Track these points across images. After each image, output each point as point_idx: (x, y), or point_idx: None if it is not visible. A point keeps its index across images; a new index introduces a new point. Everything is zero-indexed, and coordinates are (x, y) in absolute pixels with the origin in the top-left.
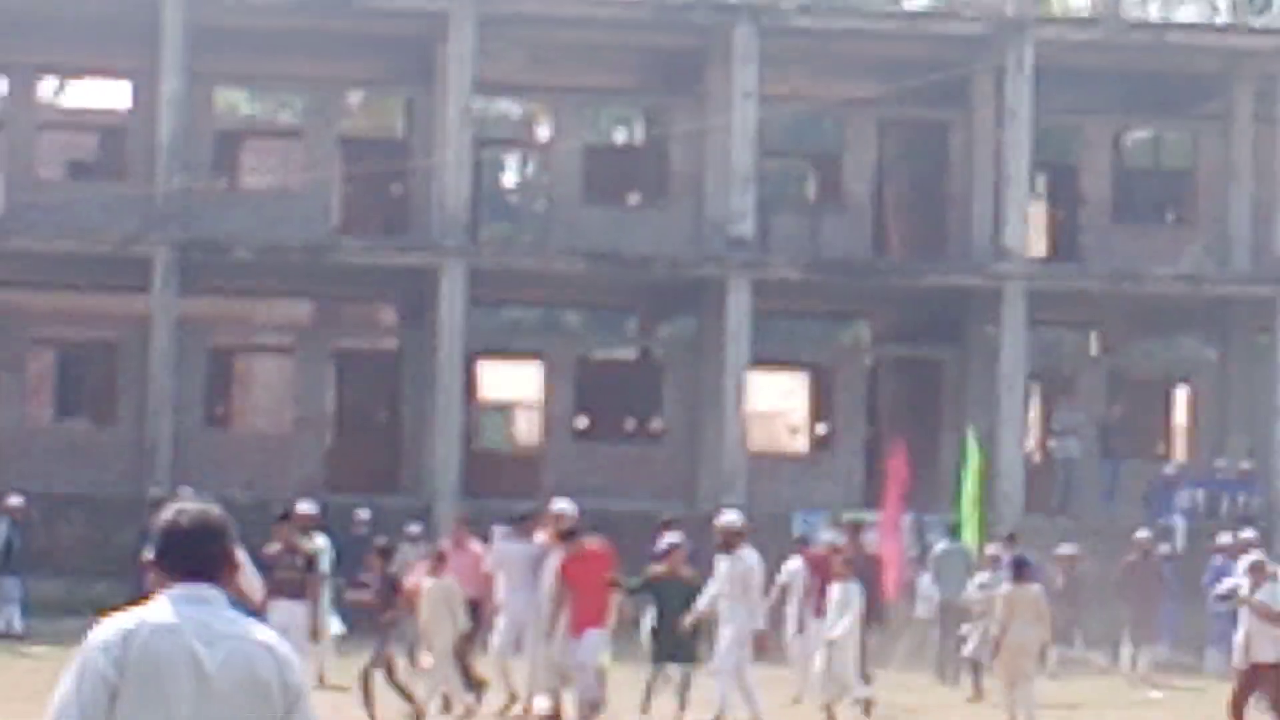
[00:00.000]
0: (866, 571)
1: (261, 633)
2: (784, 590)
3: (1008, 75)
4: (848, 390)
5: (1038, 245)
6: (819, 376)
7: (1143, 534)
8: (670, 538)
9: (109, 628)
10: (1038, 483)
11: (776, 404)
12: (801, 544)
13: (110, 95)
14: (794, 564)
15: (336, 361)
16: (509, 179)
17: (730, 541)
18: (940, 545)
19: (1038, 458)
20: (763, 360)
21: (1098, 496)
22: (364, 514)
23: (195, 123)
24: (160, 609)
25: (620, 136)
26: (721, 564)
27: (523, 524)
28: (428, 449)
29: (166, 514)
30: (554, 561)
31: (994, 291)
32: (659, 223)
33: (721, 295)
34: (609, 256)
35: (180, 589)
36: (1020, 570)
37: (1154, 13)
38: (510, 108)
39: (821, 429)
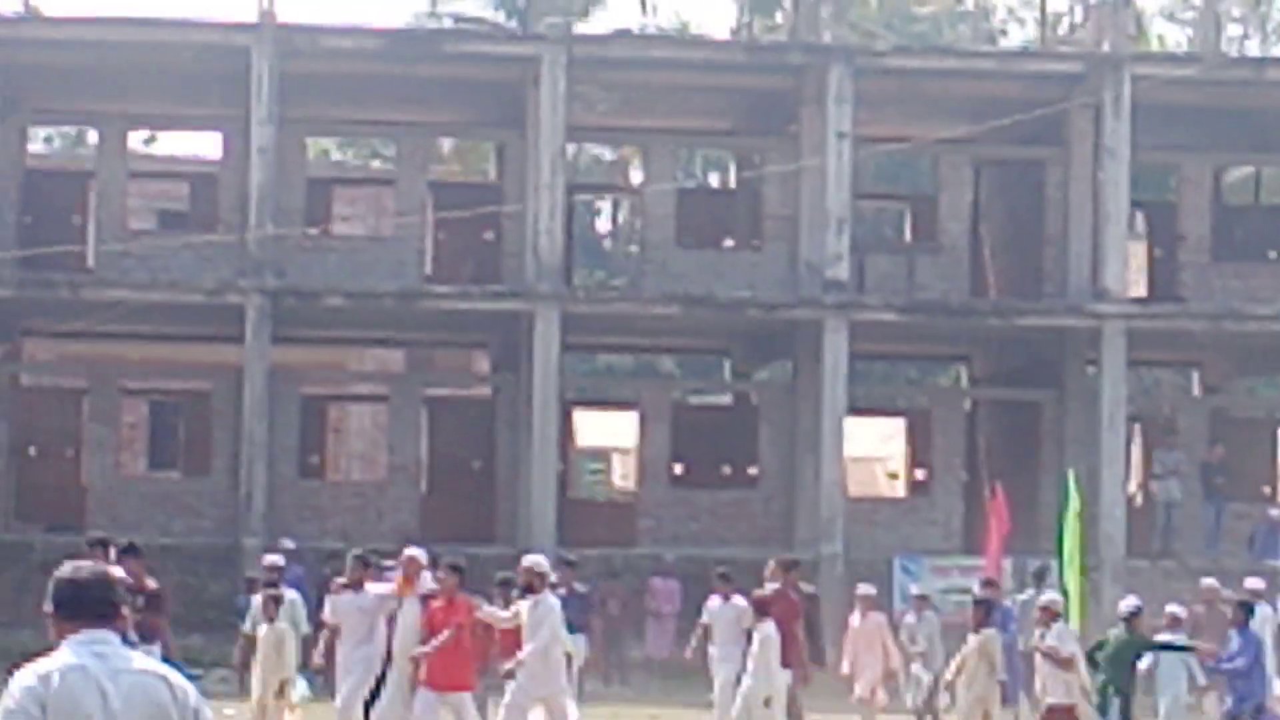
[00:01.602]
0: (808, 612)
1: (155, 666)
2: (706, 630)
3: (1105, 113)
4: (946, 434)
5: (1137, 285)
6: (916, 420)
7: (1208, 581)
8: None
9: (29, 674)
10: (1139, 525)
11: (874, 448)
12: (723, 581)
13: (201, 145)
14: (713, 603)
15: (430, 409)
16: (602, 224)
17: (532, 584)
18: (1024, 594)
19: (1139, 500)
20: (859, 404)
21: (1201, 539)
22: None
23: (286, 171)
24: (68, 654)
25: (713, 179)
26: (524, 607)
27: (359, 567)
28: (523, 497)
29: (64, 570)
30: (411, 610)
31: (1093, 332)
32: (753, 266)
33: (817, 339)
34: (703, 301)
35: (82, 635)
36: (989, 615)
37: (1252, 48)
38: (602, 152)
39: (920, 473)
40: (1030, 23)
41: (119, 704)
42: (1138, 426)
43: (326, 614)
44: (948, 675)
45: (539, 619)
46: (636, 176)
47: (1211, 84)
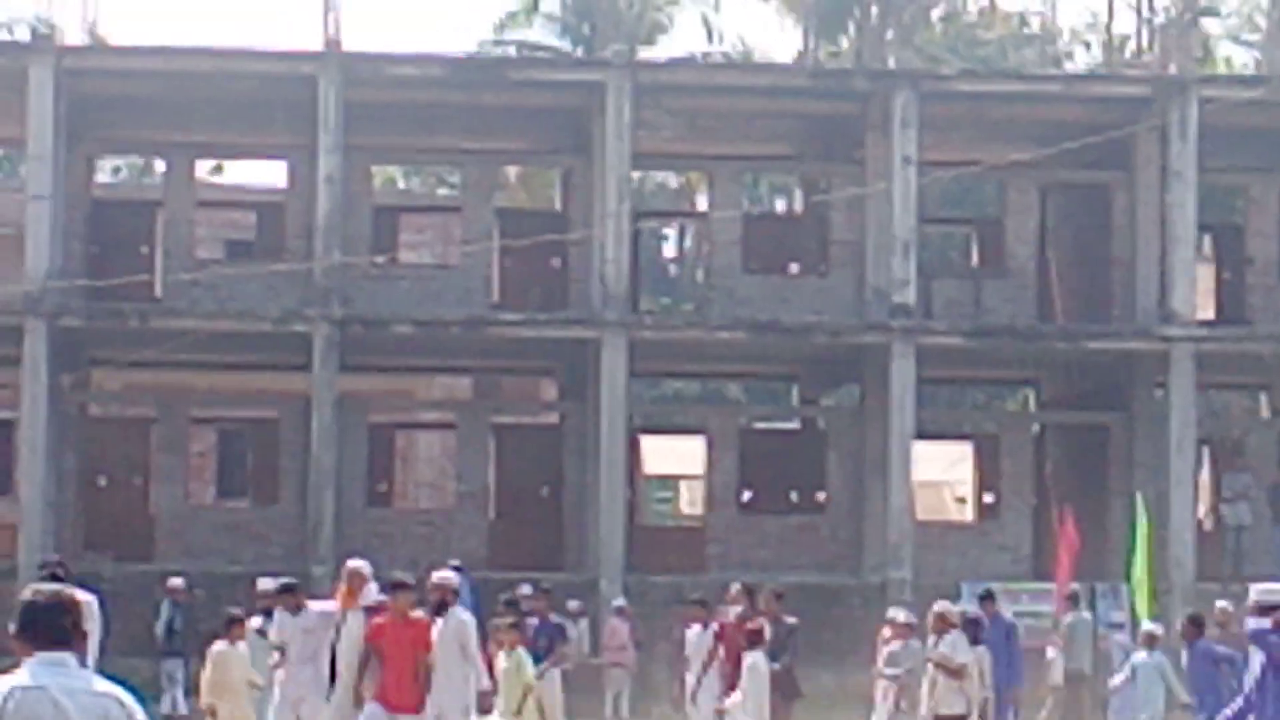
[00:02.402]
0: (789, 643)
1: (107, 686)
2: (687, 662)
3: (1171, 135)
4: (1014, 458)
5: (1204, 307)
6: (984, 444)
7: (1222, 604)
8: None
9: None
10: (1209, 549)
11: (942, 473)
12: (699, 608)
13: (267, 174)
14: (693, 632)
15: (497, 436)
16: (668, 250)
17: (444, 600)
18: (1069, 616)
19: (1208, 524)
20: (927, 428)
21: (1271, 562)
22: (527, 590)
23: (353, 199)
24: (27, 674)
25: (779, 205)
26: (437, 624)
27: (290, 594)
28: (591, 524)
29: (25, 594)
30: (356, 623)
31: (1161, 355)
32: (820, 291)
33: (884, 363)
34: (770, 326)
35: (41, 656)
36: (979, 631)
37: None
38: (668, 178)
39: (988, 497)
40: (1096, 46)
41: None
42: (1206, 449)
43: (272, 635)
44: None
45: (449, 635)
46: (702, 202)
47: (1278, 105)
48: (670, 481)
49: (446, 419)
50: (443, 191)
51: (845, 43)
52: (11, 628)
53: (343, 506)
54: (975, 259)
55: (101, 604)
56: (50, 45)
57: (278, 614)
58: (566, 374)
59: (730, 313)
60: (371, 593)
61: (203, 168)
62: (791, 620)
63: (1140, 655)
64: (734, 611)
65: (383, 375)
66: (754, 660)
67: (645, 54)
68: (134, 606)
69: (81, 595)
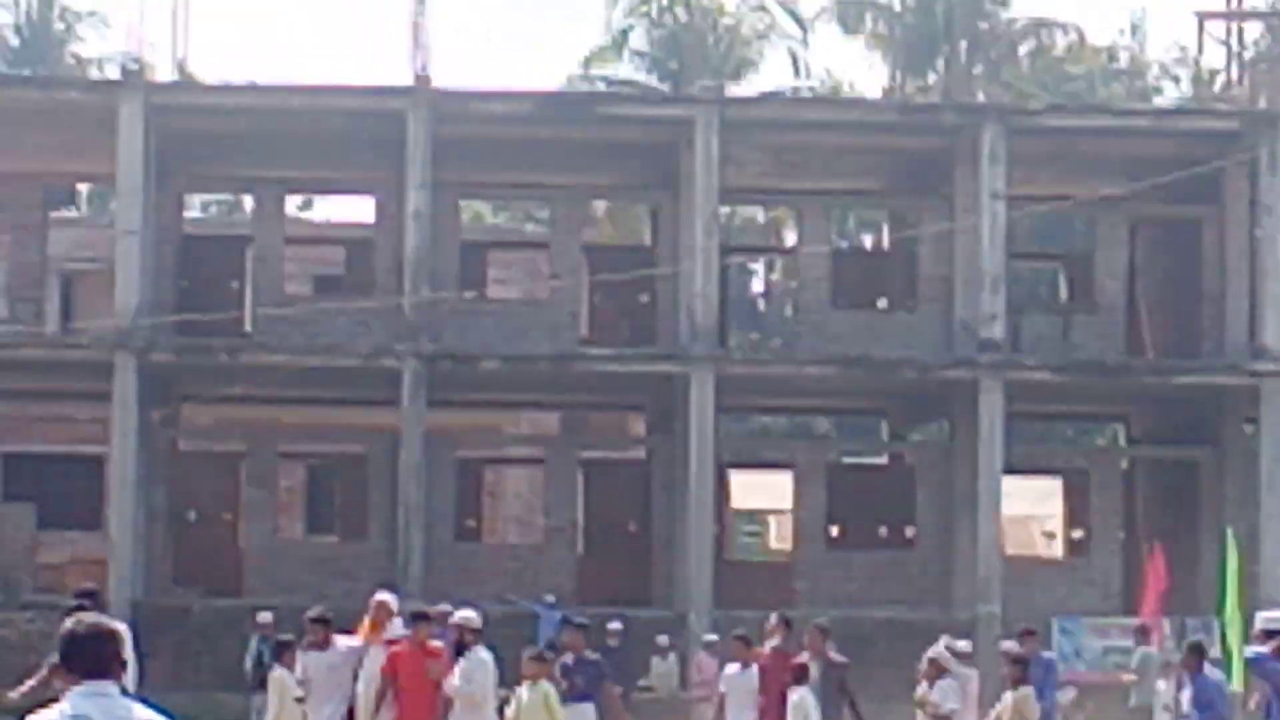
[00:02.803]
0: (839, 680)
1: (148, 714)
2: (722, 700)
3: (1261, 169)
4: (1103, 493)
5: None
6: (1074, 479)
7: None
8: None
9: None
10: None
11: (1031, 508)
12: (740, 644)
13: (356, 209)
14: (732, 669)
15: (585, 471)
16: (756, 285)
17: (464, 639)
18: (1139, 651)
19: None
20: (1016, 464)
21: None
22: (616, 626)
23: (441, 235)
24: (71, 704)
25: (867, 240)
26: (460, 665)
27: (322, 625)
28: (679, 559)
29: (67, 624)
30: (377, 657)
31: (1251, 390)
32: (908, 326)
33: (973, 399)
34: (858, 361)
35: (84, 686)
36: (1025, 672)
37: None
38: (756, 213)
39: (1077, 533)
40: (1185, 80)
41: None
42: None
43: (298, 673)
44: None
45: (468, 673)
46: (790, 238)
47: None
48: (758, 516)
49: (535, 454)
50: (531, 227)
51: (933, 77)
52: (55, 659)
53: (431, 542)
54: (1064, 294)
55: (136, 637)
56: (140, 82)
57: (301, 652)
58: (654, 409)
59: (819, 348)
60: (397, 627)
61: (292, 203)
62: (840, 658)
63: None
64: (770, 644)
65: (471, 410)
66: (799, 697)
67: (733, 89)
68: (222, 641)
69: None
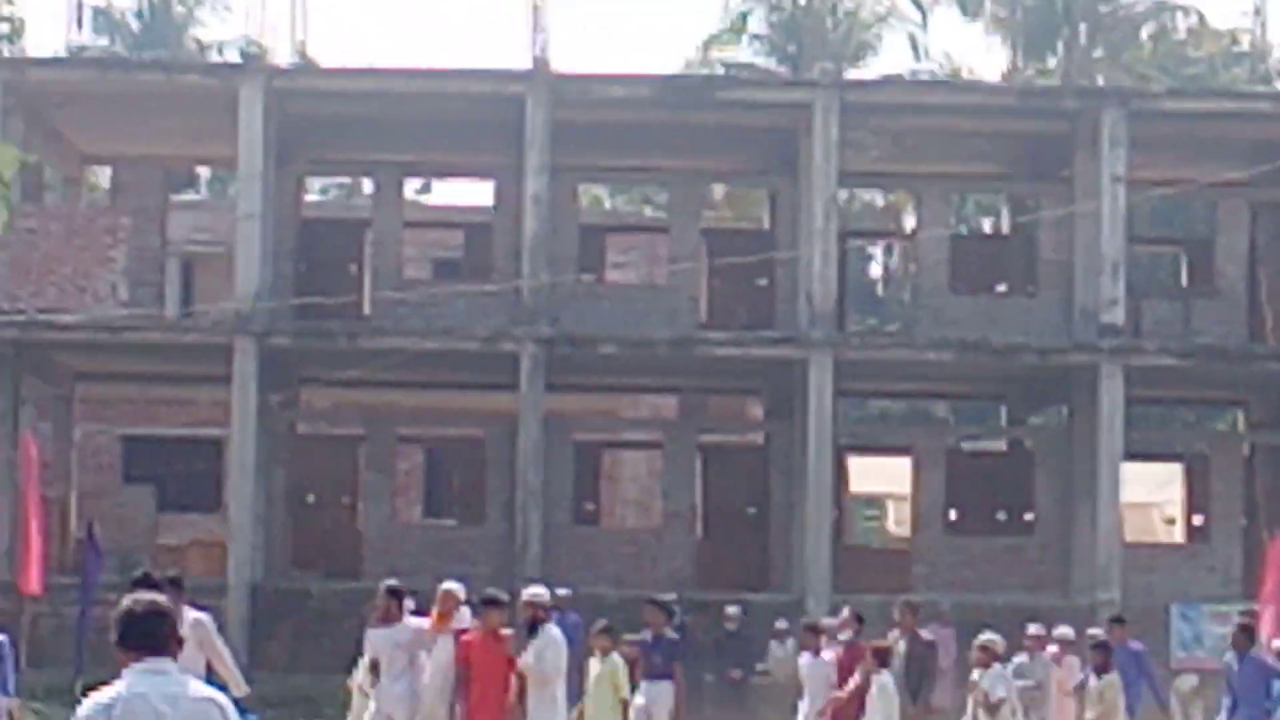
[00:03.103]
0: (923, 661)
1: (205, 691)
2: (801, 689)
3: None
4: (1224, 479)
5: None
6: (1194, 465)
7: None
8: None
9: (94, 701)
10: None
11: (1151, 494)
12: (811, 634)
13: (475, 193)
14: (805, 659)
15: (704, 456)
16: (874, 269)
17: (536, 617)
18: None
19: None
20: (1136, 449)
21: None
22: (734, 610)
23: (559, 219)
24: (129, 681)
25: (986, 224)
26: (530, 644)
27: (394, 598)
28: (797, 544)
29: (123, 604)
30: (445, 647)
31: None
32: (1028, 311)
33: (1093, 384)
34: (977, 346)
35: (142, 664)
36: (1109, 658)
37: None
38: (875, 197)
39: (1198, 519)
40: None
41: None
42: None
43: (366, 648)
44: None
45: (539, 651)
46: (909, 222)
47: None
48: (877, 501)
49: (653, 438)
50: (649, 211)
51: (1053, 61)
52: (113, 637)
53: (549, 525)
54: (1185, 278)
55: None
56: (260, 67)
57: (369, 629)
58: (773, 393)
59: (937, 332)
60: (464, 617)
61: (411, 187)
62: (929, 636)
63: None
64: (842, 636)
65: (589, 394)
66: (883, 682)
67: (852, 73)
68: (341, 624)
69: (193, 614)
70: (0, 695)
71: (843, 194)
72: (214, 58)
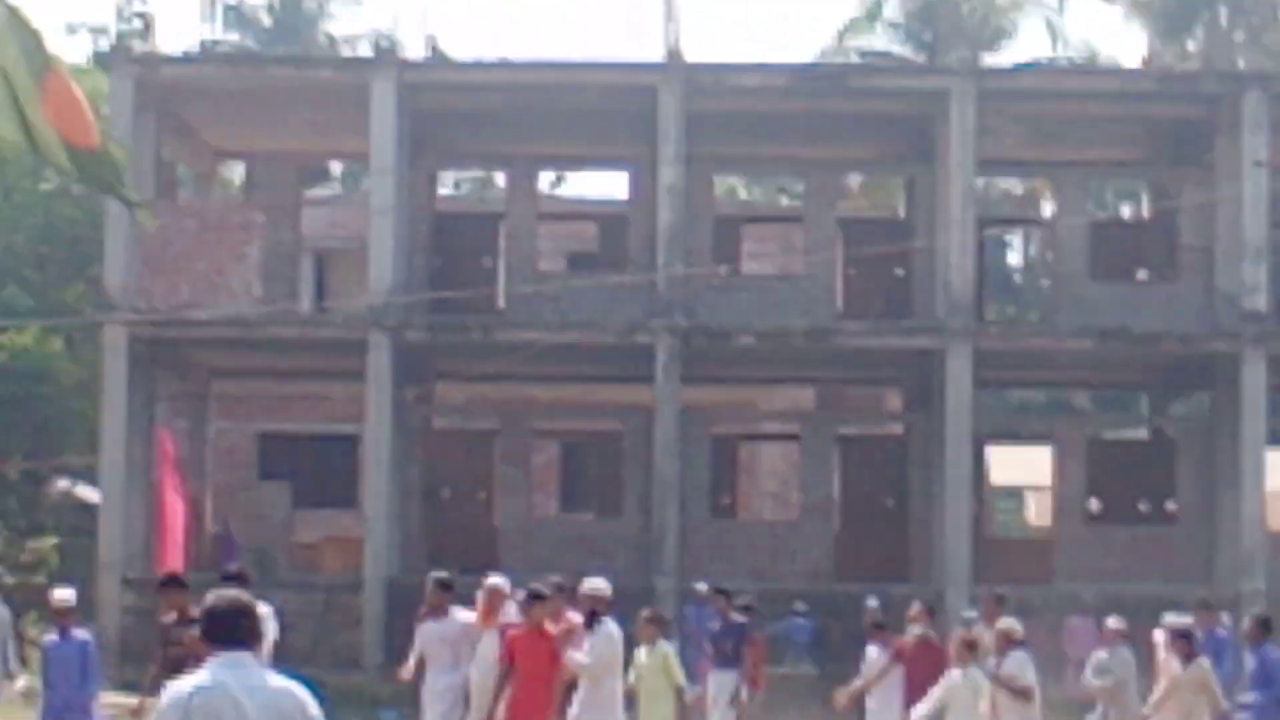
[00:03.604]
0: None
1: (283, 682)
2: (869, 683)
3: None
4: None
5: None
6: None
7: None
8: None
9: (176, 691)
10: None
11: None
12: (877, 630)
13: (609, 185)
14: (872, 650)
15: (841, 447)
16: (1013, 257)
17: (595, 611)
18: None
19: None
20: None
21: None
22: (873, 603)
23: (694, 210)
24: (210, 672)
25: (1126, 210)
26: (588, 638)
27: (445, 591)
28: (937, 535)
29: (208, 599)
30: (490, 643)
31: None
32: (1169, 298)
33: (1236, 371)
34: (1117, 334)
35: (223, 656)
36: (1193, 645)
37: None
38: (1013, 185)
39: None
40: None
41: (253, 716)
42: None
43: (417, 642)
44: (1145, 711)
45: (593, 646)
46: (1048, 209)
47: None
48: (1017, 492)
49: (790, 430)
50: (785, 201)
51: (1192, 45)
52: (197, 632)
53: (686, 518)
54: None
55: (281, 616)
56: (392, 60)
57: (417, 624)
58: (911, 383)
59: (1077, 320)
60: (510, 612)
61: (544, 180)
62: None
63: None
64: (914, 631)
65: (725, 386)
66: (969, 674)
67: (989, 60)
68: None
69: (262, 607)
70: (89, 687)
71: (980, 181)
72: (346, 52)
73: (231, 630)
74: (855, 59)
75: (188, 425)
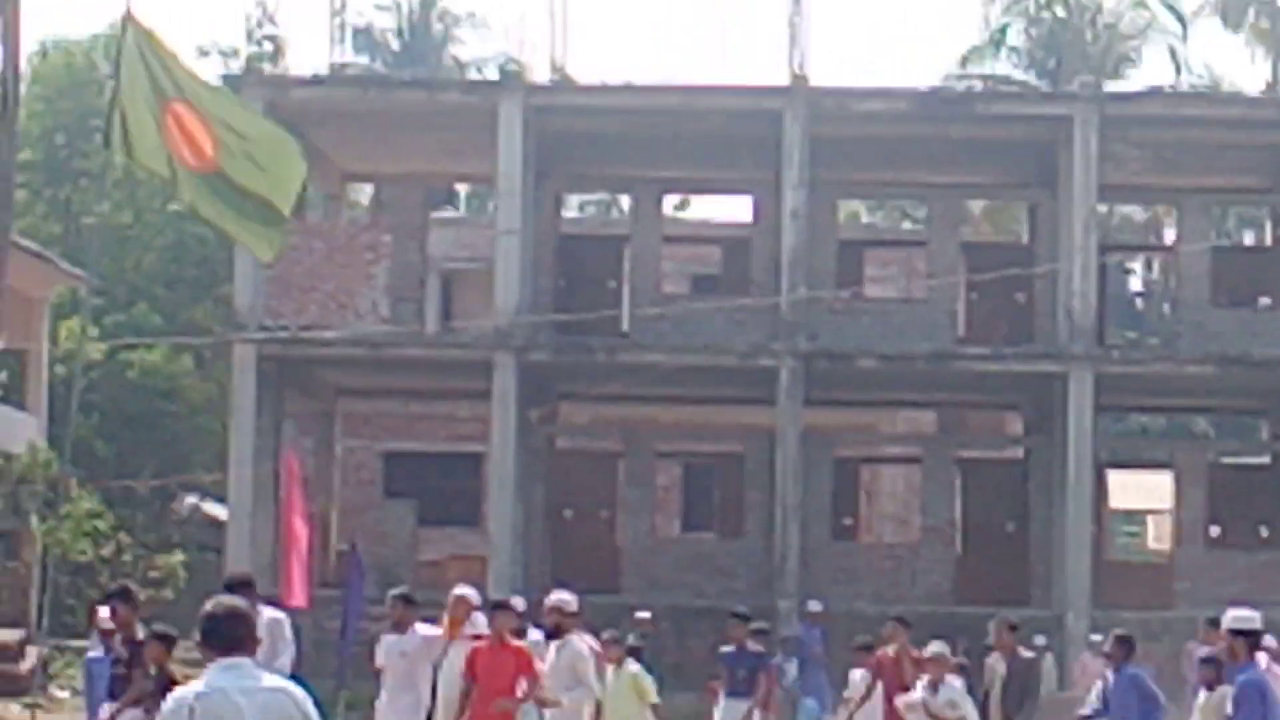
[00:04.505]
0: (1023, 678)
1: (279, 683)
2: (859, 701)
3: None
4: None
5: None
6: None
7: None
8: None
9: (179, 696)
10: None
11: None
12: (864, 652)
13: (733, 209)
14: (857, 674)
15: (963, 471)
16: (1134, 283)
17: (560, 625)
18: None
19: None
20: None
21: None
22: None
23: (817, 233)
24: (210, 677)
25: (1248, 237)
26: (550, 651)
27: (407, 605)
28: (1057, 559)
29: (206, 606)
30: (458, 655)
31: None
32: None
33: None
34: (1239, 360)
35: (222, 661)
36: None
37: None
38: (1135, 211)
39: None
40: None
41: (251, 717)
42: None
43: (378, 658)
44: None
45: (563, 664)
46: (1170, 235)
47: None
48: (1137, 516)
49: (911, 453)
50: (907, 225)
51: None
52: (196, 638)
53: (807, 540)
54: None
55: (296, 630)
56: (519, 84)
57: (383, 637)
58: (1032, 408)
59: (1198, 346)
60: (479, 622)
61: (669, 203)
62: (1028, 654)
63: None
64: (892, 648)
65: (847, 409)
66: (951, 689)
67: (1112, 86)
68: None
69: (271, 613)
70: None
71: (1102, 207)
72: (473, 75)
73: (229, 636)
74: (978, 85)
75: (314, 443)
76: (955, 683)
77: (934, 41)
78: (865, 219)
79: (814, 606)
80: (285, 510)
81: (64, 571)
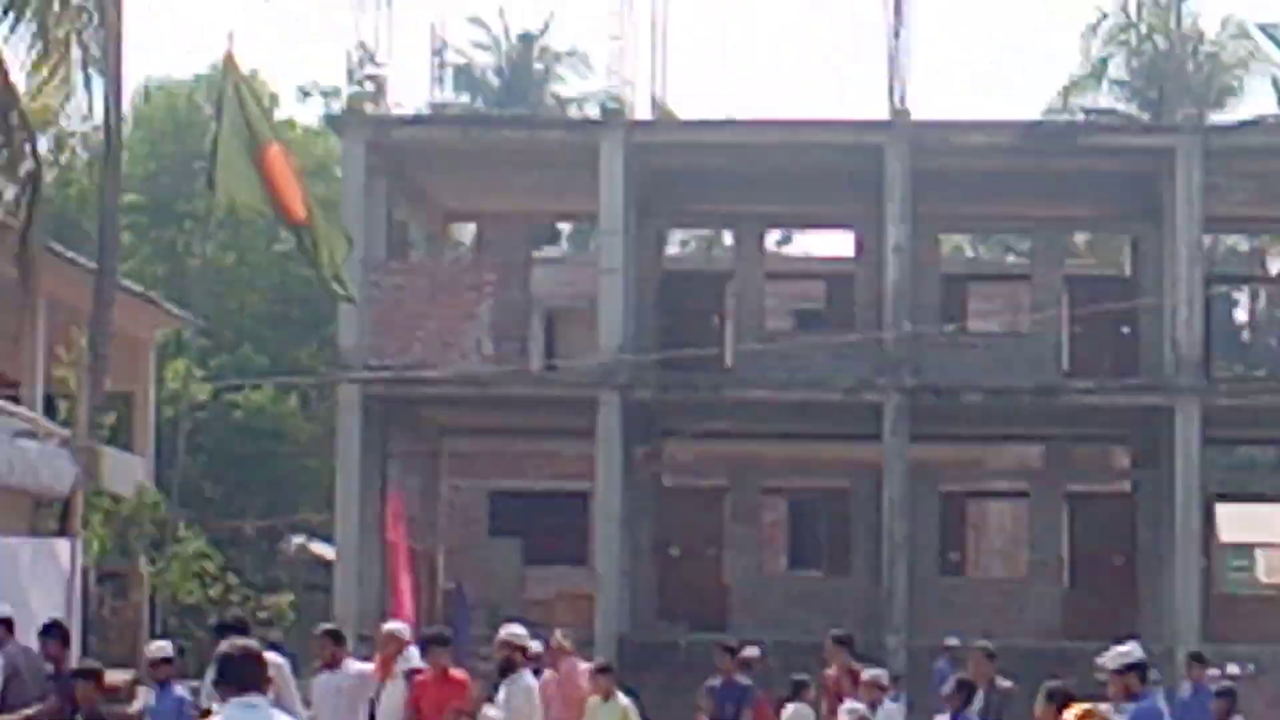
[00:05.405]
0: (996, 707)
1: (288, 718)
2: None
3: None
4: None
5: None
6: None
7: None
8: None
9: None
10: None
11: None
12: (801, 686)
13: (835, 244)
14: (790, 708)
15: (1070, 505)
16: (1240, 314)
17: (511, 660)
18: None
19: None
20: None
21: None
22: (1103, 661)
23: (921, 268)
24: (226, 714)
25: None
26: (501, 689)
27: (334, 642)
28: (1166, 592)
29: (221, 648)
30: (395, 692)
31: None
32: None
33: None
34: None
35: (237, 700)
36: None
37: None
38: (1239, 242)
39: None
40: None
41: None
42: None
43: (314, 698)
44: None
45: (512, 699)
46: (1275, 266)
47: None
48: (1246, 549)
49: (1018, 487)
50: (1011, 259)
51: None
52: (212, 677)
53: (914, 576)
54: None
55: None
56: (620, 121)
57: (314, 676)
58: (1139, 441)
59: None
60: (412, 657)
61: (771, 239)
62: (1006, 684)
63: None
64: (831, 668)
65: (953, 444)
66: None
67: (1215, 117)
68: (708, 677)
69: (271, 657)
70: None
71: (1207, 239)
72: (574, 113)
73: (244, 676)
74: (1081, 117)
75: (420, 483)
76: (891, 706)
77: (1035, 74)
78: (969, 253)
79: (951, 641)
80: (391, 550)
81: (172, 613)
